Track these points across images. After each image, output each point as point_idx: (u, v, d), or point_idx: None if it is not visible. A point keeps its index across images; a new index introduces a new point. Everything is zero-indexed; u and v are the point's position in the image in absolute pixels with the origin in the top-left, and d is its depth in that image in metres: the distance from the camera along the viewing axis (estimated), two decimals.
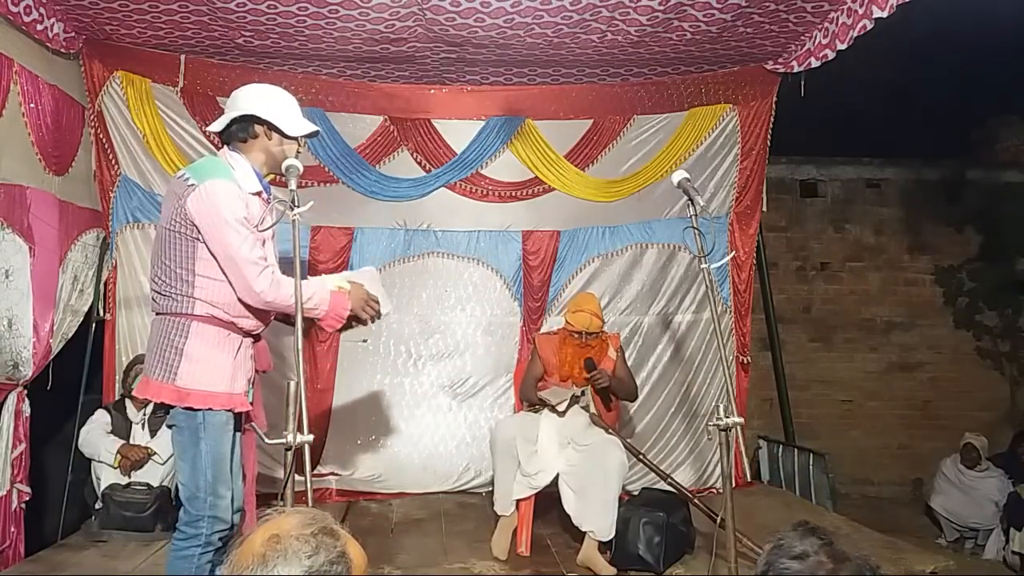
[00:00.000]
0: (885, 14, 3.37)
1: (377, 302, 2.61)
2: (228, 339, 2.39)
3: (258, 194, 2.46)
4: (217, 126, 2.51)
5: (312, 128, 2.57)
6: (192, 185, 2.33)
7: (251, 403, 2.51)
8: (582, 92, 4.78)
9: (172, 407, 2.34)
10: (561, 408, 3.63)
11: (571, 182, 4.85)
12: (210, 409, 2.33)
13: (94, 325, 4.26)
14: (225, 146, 2.52)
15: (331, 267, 4.60)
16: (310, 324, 2.53)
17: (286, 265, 2.45)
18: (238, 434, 2.47)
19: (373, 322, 2.65)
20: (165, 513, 3.67)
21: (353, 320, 2.57)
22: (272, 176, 2.65)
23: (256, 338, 2.54)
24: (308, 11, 3.65)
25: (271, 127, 2.47)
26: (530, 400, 3.85)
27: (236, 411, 2.41)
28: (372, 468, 4.72)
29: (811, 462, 4.66)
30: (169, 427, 2.41)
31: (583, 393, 3.70)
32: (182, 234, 2.33)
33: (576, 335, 3.75)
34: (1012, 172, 6.69)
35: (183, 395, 2.31)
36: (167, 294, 2.36)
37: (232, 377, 2.39)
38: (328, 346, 4.68)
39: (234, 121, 2.47)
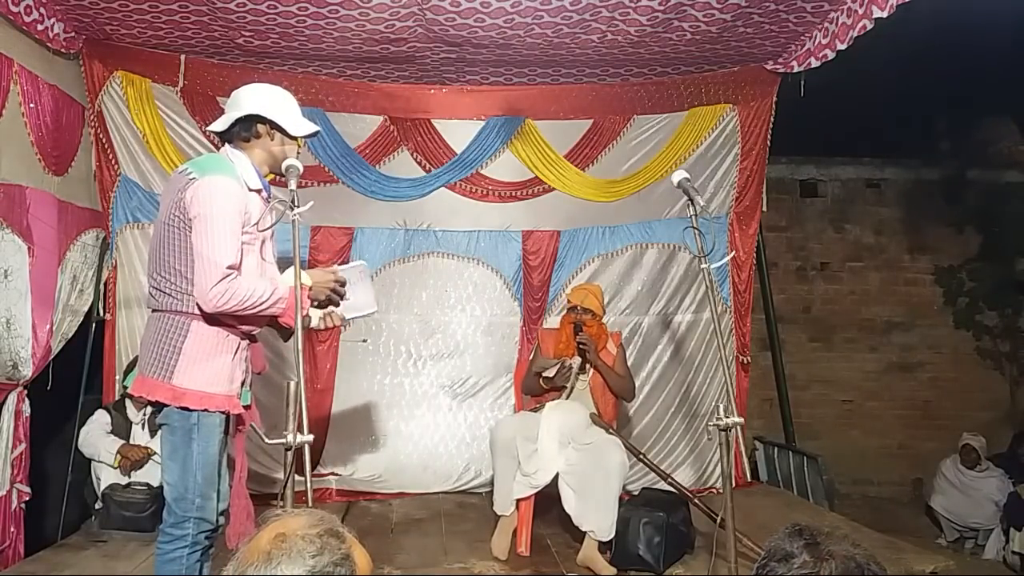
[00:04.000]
0: (885, 14, 3.37)
1: (343, 284, 2.54)
2: (227, 340, 2.38)
3: (258, 192, 2.45)
4: (219, 126, 2.50)
5: (313, 128, 2.56)
6: (193, 178, 2.33)
7: (248, 405, 2.50)
8: (582, 92, 4.78)
9: (165, 406, 2.33)
10: (551, 374, 3.64)
11: (571, 182, 4.85)
12: (205, 410, 2.32)
13: (94, 325, 4.26)
14: (226, 144, 2.51)
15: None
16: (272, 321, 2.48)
17: (286, 265, 2.45)
18: (226, 436, 2.46)
19: (339, 319, 2.60)
20: None
21: (319, 306, 2.54)
22: (272, 176, 2.65)
23: (252, 339, 2.53)
24: (308, 11, 3.66)
25: (274, 126, 2.47)
26: (531, 391, 3.86)
27: (232, 413, 2.40)
28: (372, 468, 4.72)
29: (806, 464, 4.66)
30: (160, 426, 2.39)
31: (571, 366, 3.69)
32: (181, 229, 2.32)
33: (572, 311, 3.83)
34: (1012, 172, 6.69)
35: (179, 394, 2.30)
36: (167, 291, 2.34)
37: (229, 378, 2.38)
38: (328, 346, 4.69)
39: (237, 120, 2.46)
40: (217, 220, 2.28)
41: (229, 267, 2.27)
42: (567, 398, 3.72)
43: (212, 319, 2.34)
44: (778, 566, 1.21)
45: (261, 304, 2.31)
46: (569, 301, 3.92)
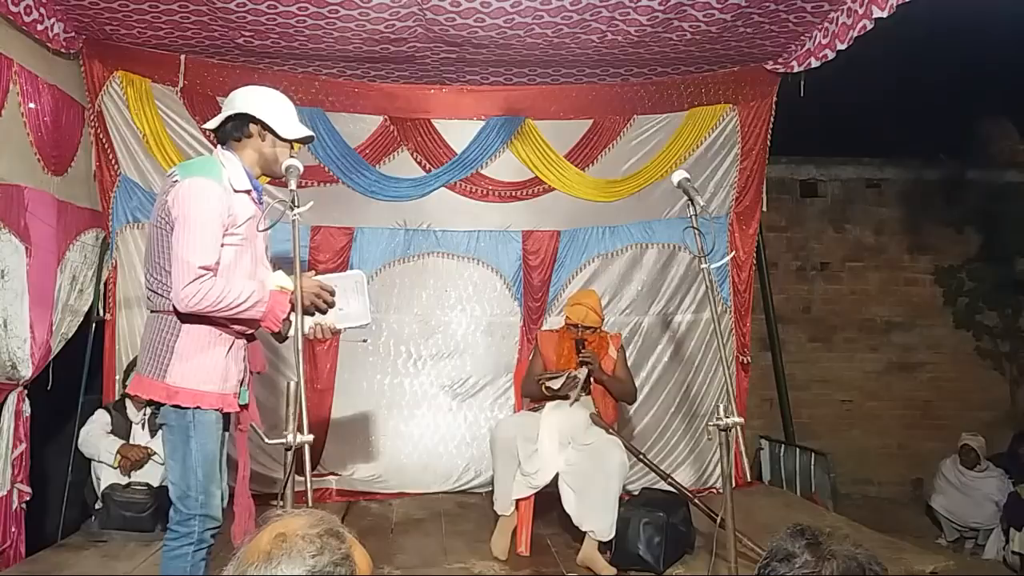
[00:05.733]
0: (885, 14, 3.37)
1: (332, 293, 2.49)
2: (220, 338, 2.39)
3: (248, 192, 2.46)
4: (212, 123, 2.53)
5: (307, 133, 2.56)
6: (176, 181, 2.35)
7: (246, 404, 2.51)
8: (582, 92, 4.78)
9: (163, 405, 2.34)
10: (556, 386, 3.64)
11: (571, 182, 4.85)
12: (199, 408, 2.33)
13: (94, 325, 4.26)
14: (219, 145, 2.53)
15: (331, 267, 4.60)
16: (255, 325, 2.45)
17: (286, 265, 2.45)
18: (226, 433, 2.47)
19: (329, 332, 2.52)
20: (165, 513, 3.60)
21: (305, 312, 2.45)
22: (265, 179, 2.64)
23: (250, 338, 2.53)
24: (308, 11, 3.66)
25: (265, 127, 2.48)
26: (532, 395, 3.86)
27: (225, 411, 2.41)
28: (372, 468, 4.72)
29: (813, 462, 4.67)
30: (160, 426, 2.42)
31: (577, 377, 3.69)
32: (167, 231, 2.33)
33: (573, 328, 3.82)
34: (1012, 172, 6.69)
35: (172, 393, 2.32)
36: (159, 292, 2.36)
37: (223, 377, 2.39)
38: (328, 346, 4.68)
39: (229, 119, 2.48)
40: (193, 221, 2.29)
41: (203, 268, 2.27)
42: (570, 406, 3.70)
43: (203, 318, 2.34)
44: (780, 566, 1.21)
45: (237, 306, 2.30)
46: (568, 318, 3.88)
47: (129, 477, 3.77)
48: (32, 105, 3.58)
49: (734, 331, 5.03)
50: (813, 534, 1.23)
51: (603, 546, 3.44)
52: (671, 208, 4.95)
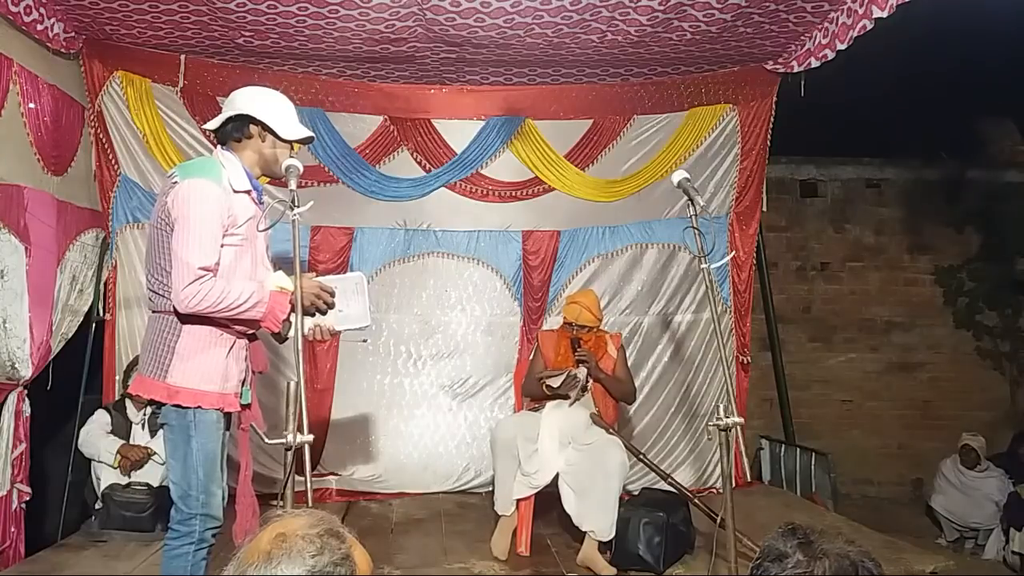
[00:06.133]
0: (885, 14, 3.37)
1: (332, 294, 2.48)
2: (220, 338, 2.39)
3: (248, 193, 2.46)
4: (213, 124, 2.53)
5: (307, 134, 2.56)
6: (176, 182, 2.36)
7: (248, 404, 2.51)
8: (582, 92, 4.79)
9: (163, 405, 2.35)
10: (556, 384, 3.64)
11: (571, 182, 4.85)
12: (200, 407, 2.34)
13: (94, 325, 4.26)
14: (219, 145, 2.53)
15: (331, 267, 4.61)
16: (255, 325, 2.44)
17: (286, 265, 2.45)
18: (227, 433, 2.47)
19: (328, 333, 2.52)
20: (165, 513, 3.61)
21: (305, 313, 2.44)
22: (265, 179, 2.64)
23: (252, 338, 2.53)
24: (308, 11, 3.66)
25: (265, 128, 2.48)
26: (533, 394, 3.86)
27: (226, 411, 2.41)
28: (372, 468, 4.72)
29: (813, 462, 4.68)
30: (161, 425, 2.42)
31: (577, 376, 3.68)
32: (167, 232, 2.34)
33: (568, 326, 3.83)
34: (1012, 172, 6.69)
35: (173, 392, 2.32)
36: (160, 293, 2.36)
37: (224, 376, 2.39)
38: (328, 346, 4.68)
39: (230, 120, 2.48)
40: (192, 222, 2.29)
41: (203, 269, 2.27)
42: (570, 406, 3.70)
43: (204, 318, 2.34)
44: (772, 566, 1.21)
45: (237, 307, 2.30)
46: (565, 317, 3.90)
47: (129, 477, 3.77)
48: (32, 105, 3.58)
49: (734, 331, 5.03)
50: (805, 533, 1.22)
51: (603, 546, 3.44)
52: (671, 208, 4.95)
